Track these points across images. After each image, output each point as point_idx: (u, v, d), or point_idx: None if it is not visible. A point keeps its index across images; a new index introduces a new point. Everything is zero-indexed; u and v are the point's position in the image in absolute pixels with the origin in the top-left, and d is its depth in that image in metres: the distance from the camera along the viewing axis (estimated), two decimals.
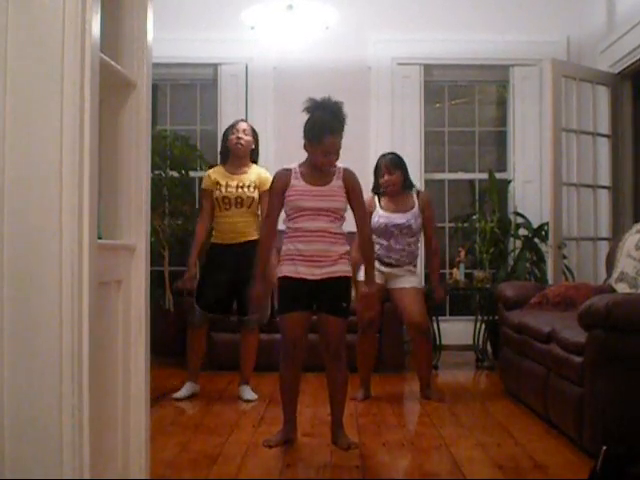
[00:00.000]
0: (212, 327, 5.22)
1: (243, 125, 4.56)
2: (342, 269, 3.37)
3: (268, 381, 4.76)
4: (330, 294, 3.35)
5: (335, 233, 3.36)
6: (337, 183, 3.36)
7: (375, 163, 4.63)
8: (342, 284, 3.38)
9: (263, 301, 3.62)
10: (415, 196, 4.55)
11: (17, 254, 1.77)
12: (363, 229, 3.48)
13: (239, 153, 4.52)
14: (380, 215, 4.47)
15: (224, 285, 4.45)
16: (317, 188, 3.33)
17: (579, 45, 6.36)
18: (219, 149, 4.78)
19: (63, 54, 1.78)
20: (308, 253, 3.33)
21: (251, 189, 4.47)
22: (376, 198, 4.55)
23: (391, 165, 4.48)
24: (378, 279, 4.41)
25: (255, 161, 4.62)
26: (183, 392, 4.46)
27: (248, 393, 4.48)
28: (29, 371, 1.76)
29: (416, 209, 4.49)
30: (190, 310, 4.56)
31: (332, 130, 3.30)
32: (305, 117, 3.38)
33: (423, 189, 5.60)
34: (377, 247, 4.40)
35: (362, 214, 3.48)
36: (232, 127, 4.57)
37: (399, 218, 4.46)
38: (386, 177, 4.47)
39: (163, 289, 5.86)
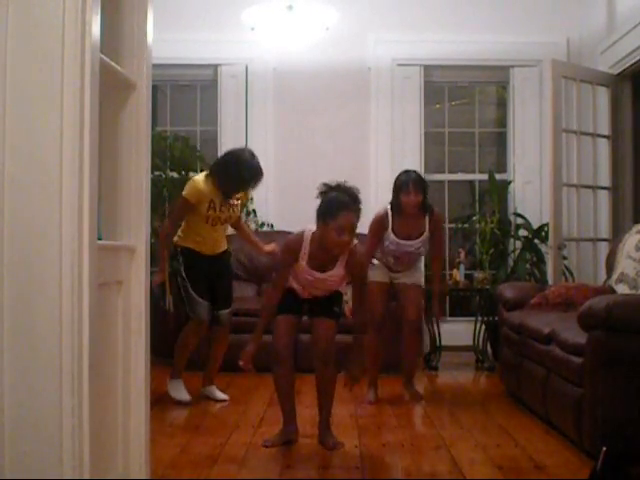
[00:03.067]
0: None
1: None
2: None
3: (268, 382, 4.76)
4: (322, 298, 3.44)
5: None
6: (338, 272, 3.32)
7: (398, 178, 4.42)
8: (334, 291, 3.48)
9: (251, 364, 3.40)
10: (427, 218, 4.44)
11: (17, 255, 1.77)
12: (362, 301, 3.42)
13: None
14: (390, 241, 4.38)
15: (207, 286, 4.42)
16: (317, 276, 3.33)
17: (579, 46, 6.37)
18: (231, 173, 4.24)
19: (63, 55, 1.79)
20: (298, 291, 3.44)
21: (238, 207, 4.47)
22: (390, 216, 4.39)
23: (419, 185, 4.34)
24: (385, 277, 4.49)
25: None
26: (185, 396, 4.37)
27: (219, 393, 4.43)
28: (29, 371, 1.76)
29: (426, 234, 4.43)
30: (194, 305, 4.37)
31: (347, 206, 3.16)
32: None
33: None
34: (384, 260, 4.47)
35: (362, 292, 3.43)
36: (258, 173, 4.28)
37: (408, 246, 4.40)
38: (412, 197, 4.30)
39: (163, 290, 5.85)
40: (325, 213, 3.17)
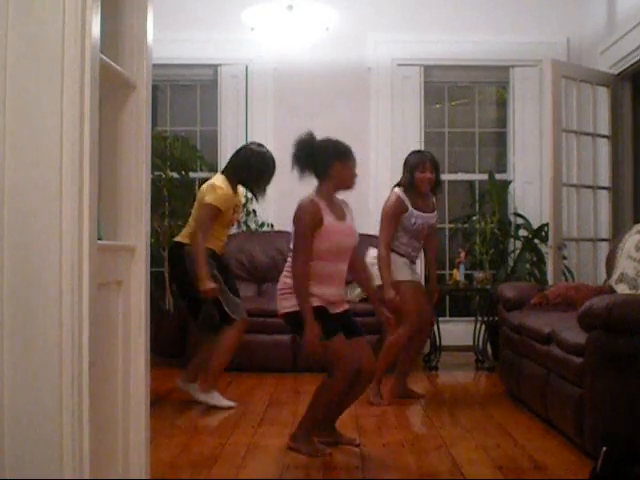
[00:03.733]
0: None
1: None
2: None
3: (268, 382, 4.77)
4: (347, 312, 3.48)
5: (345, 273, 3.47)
6: (350, 216, 3.47)
7: (410, 158, 4.49)
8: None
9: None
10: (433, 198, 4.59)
11: (17, 255, 1.77)
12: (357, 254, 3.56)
13: None
14: (416, 216, 4.39)
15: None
16: (344, 224, 3.40)
17: (579, 46, 6.37)
18: (254, 176, 4.27)
19: (63, 55, 1.78)
20: (332, 299, 3.37)
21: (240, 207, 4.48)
22: (405, 197, 4.40)
23: (434, 164, 4.48)
24: (416, 275, 4.55)
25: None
26: (227, 402, 4.21)
27: (218, 398, 4.21)
28: (29, 371, 1.76)
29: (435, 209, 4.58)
30: (234, 306, 4.18)
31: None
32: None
33: None
34: (410, 249, 4.43)
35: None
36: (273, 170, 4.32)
37: (431, 218, 4.50)
38: (428, 174, 4.40)
39: (163, 290, 5.86)
40: (340, 154, 3.42)
